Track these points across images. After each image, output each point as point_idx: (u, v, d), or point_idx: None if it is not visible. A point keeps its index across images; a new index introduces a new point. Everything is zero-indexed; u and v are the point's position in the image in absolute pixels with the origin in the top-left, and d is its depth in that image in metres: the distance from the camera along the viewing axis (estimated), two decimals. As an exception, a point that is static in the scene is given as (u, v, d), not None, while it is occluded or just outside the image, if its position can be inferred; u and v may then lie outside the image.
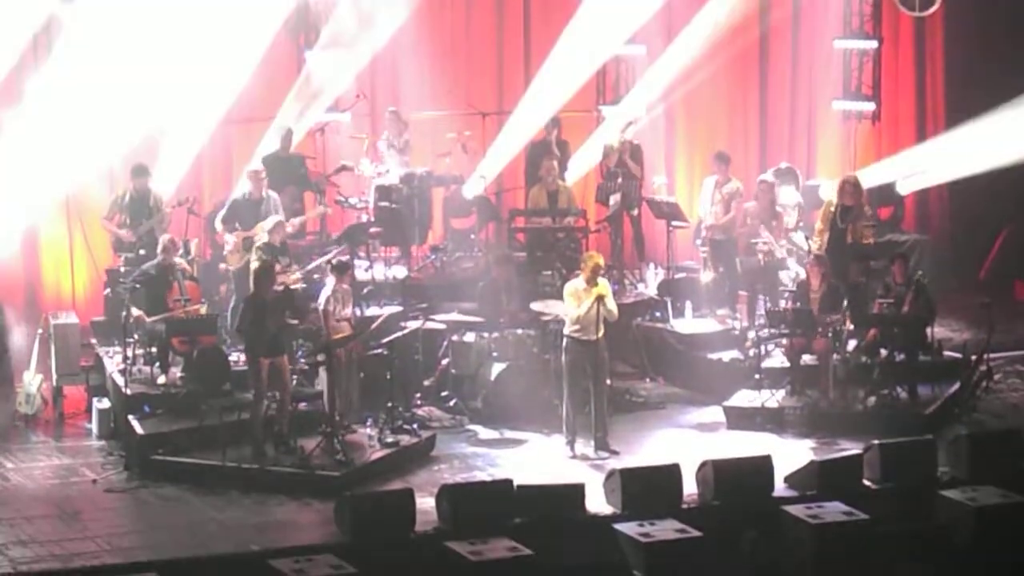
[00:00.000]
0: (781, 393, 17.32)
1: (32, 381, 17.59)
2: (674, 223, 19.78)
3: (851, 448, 15.91)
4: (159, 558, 13.53)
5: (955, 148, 21.62)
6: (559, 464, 16.13)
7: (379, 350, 16.68)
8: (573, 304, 16.22)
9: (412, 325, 17.08)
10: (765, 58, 22.46)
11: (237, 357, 17.07)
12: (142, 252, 17.93)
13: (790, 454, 15.86)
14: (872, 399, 17.23)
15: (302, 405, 16.41)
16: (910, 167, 21.82)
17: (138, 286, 17.13)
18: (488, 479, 15.44)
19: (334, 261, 16.88)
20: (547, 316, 17.24)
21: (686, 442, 16.79)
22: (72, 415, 17.72)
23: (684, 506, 14.71)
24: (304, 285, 17.35)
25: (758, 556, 14.29)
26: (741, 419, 17.21)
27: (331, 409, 15.95)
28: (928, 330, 17.72)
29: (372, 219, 19.54)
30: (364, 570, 13.24)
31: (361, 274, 18.87)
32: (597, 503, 14.71)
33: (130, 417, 16.43)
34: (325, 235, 19.44)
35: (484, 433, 17.08)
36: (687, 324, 19.03)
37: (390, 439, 16.18)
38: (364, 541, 13.81)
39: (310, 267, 17.81)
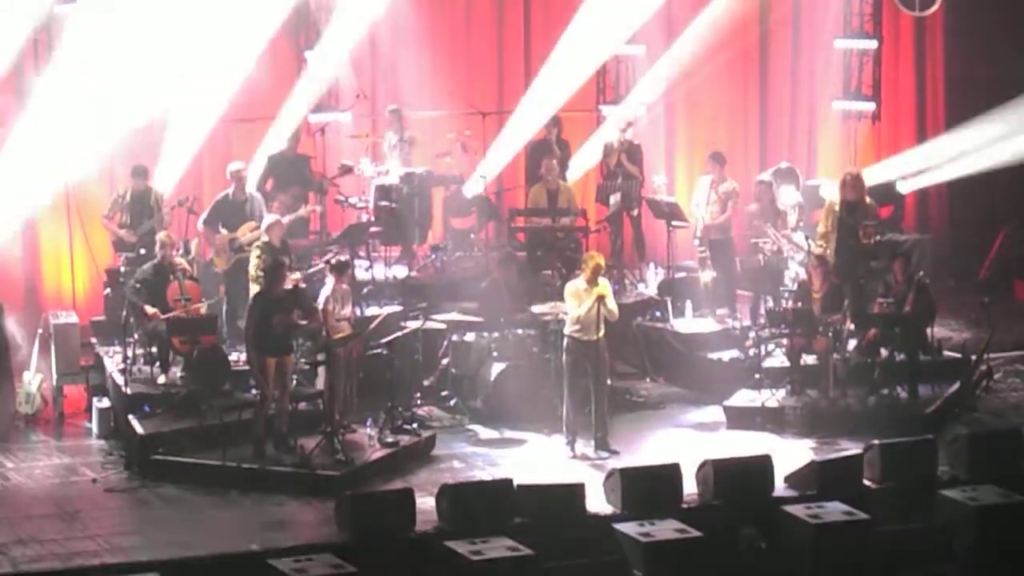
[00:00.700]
0: (781, 393, 17.32)
1: (32, 381, 17.60)
2: (674, 223, 19.77)
3: (851, 448, 15.91)
4: (159, 557, 13.53)
5: (954, 148, 21.63)
6: (559, 464, 16.13)
7: (379, 350, 16.68)
8: (574, 304, 16.22)
9: (412, 325, 17.08)
10: (765, 58, 22.46)
11: (237, 357, 17.07)
12: (142, 252, 17.93)
13: (790, 454, 15.86)
14: (872, 399, 17.24)
15: (302, 405, 16.41)
16: (910, 167, 21.82)
17: (138, 286, 17.12)
18: (488, 479, 15.44)
19: (333, 261, 16.87)
20: (547, 316, 17.24)
21: (686, 442, 16.80)
22: (72, 415, 17.73)
23: (684, 506, 14.71)
24: (304, 285, 17.33)
25: (754, 553, 14.29)
26: (741, 419, 17.21)
27: (331, 409, 15.96)
28: (928, 330, 17.73)
29: (372, 218, 19.54)
30: (364, 570, 13.23)
31: (361, 274, 18.87)
32: (597, 503, 14.71)
33: (130, 417, 16.44)
34: (325, 234, 19.43)
35: (484, 433, 17.08)
36: (687, 324, 19.03)
37: (390, 439, 16.18)
38: (364, 541, 13.81)
39: (311, 271, 17.78)
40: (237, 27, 19.33)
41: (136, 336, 17.30)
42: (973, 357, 18.00)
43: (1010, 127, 20.89)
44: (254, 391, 16.39)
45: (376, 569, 13.52)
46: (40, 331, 18.03)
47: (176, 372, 17.22)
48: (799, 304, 17.50)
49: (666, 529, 14.02)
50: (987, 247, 22.37)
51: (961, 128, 21.64)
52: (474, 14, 21.49)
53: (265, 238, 17.35)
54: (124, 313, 17.02)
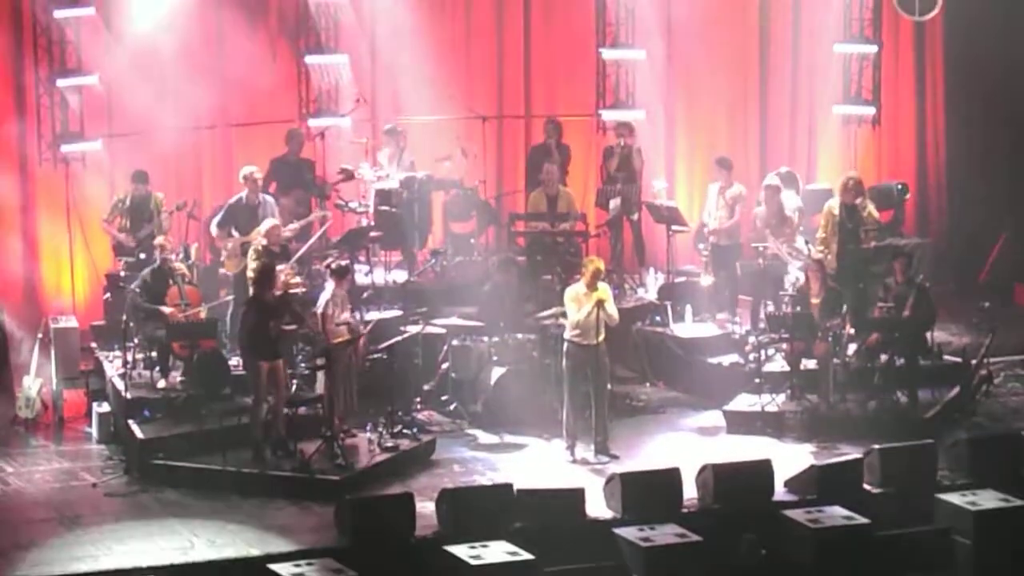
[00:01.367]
0: (781, 397, 17.32)
1: (32, 385, 17.58)
2: (674, 227, 19.78)
3: (851, 452, 15.91)
4: (159, 562, 13.54)
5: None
6: (559, 468, 16.13)
7: (379, 354, 16.67)
8: (573, 308, 16.23)
9: (412, 329, 17.08)
10: (765, 62, 22.45)
11: (237, 361, 17.07)
12: (142, 256, 17.93)
13: (790, 458, 15.86)
14: (872, 403, 17.23)
15: (302, 409, 16.40)
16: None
17: (138, 291, 17.13)
18: (488, 483, 15.44)
19: (333, 265, 16.87)
20: (548, 320, 17.24)
21: (686, 446, 16.79)
22: (72, 419, 17.71)
23: (684, 510, 14.71)
24: (304, 289, 17.33)
25: (754, 558, 14.29)
26: (741, 423, 17.21)
27: (331, 413, 15.95)
28: (928, 334, 17.73)
29: (372, 223, 19.54)
30: (364, 574, 13.24)
31: (361, 278, 18.87)
32: (597, 507, 14.71)
33: (130, 421, 16.43)
34: (325, 239, 19.44)
35: (484, 437, 17.08)
36: (687, 328, 19.01)
37: (390, 443, 16.18)
38: (364, 545, 13.81)
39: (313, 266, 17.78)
40: (237, 29, 19.38)
41: (136, 341, 17.29)
42: (973, 361, 18.00)
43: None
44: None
45: (376, 574, 13.53)
46: (40, 335, 18.02)
47: (176, 377, 17.22)
48: (798, 309, 17.49)
49: (666, 534, 14.02)
50: (987, 251, 22.37)
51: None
52: (474, 19, 21.50)
53: (264, 242, 17.35)
54: (124, 317, 17.01)
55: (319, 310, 16.27)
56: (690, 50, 21.67)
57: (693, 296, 19.37)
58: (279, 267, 16.82)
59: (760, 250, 18.74)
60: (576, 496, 14.61)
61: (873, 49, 21.91)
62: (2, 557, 13.68)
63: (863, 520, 14.41)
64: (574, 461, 16.31)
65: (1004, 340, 18.93)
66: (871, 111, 21.96)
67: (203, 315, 17.28)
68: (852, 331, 17.40)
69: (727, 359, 18.43)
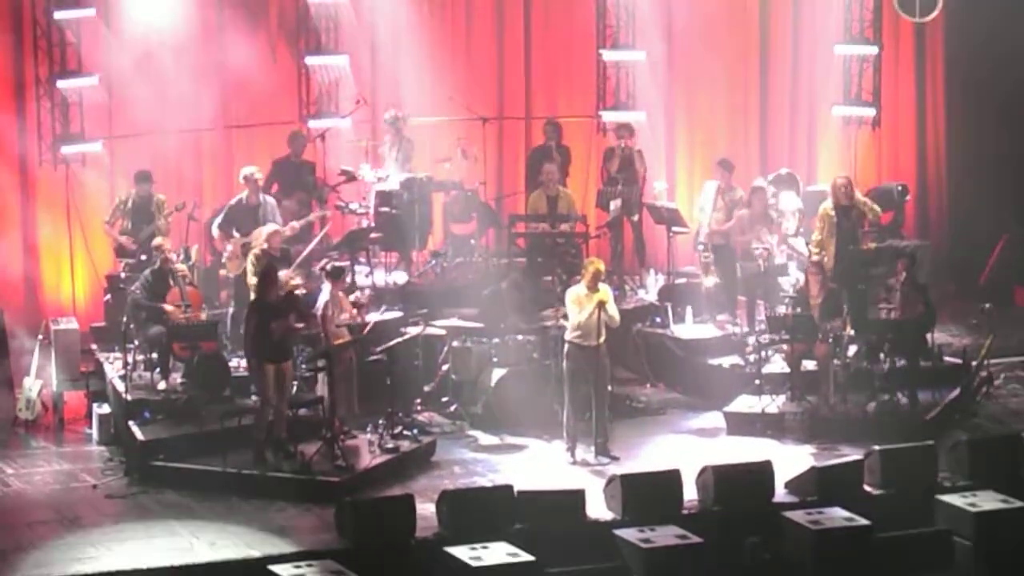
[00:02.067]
0: (781, 399, 17.32)
1: (32, 387, 17.58)
2: (674, 229, 19.79)
3: (851, 454, 15.91)
4: (159, 564, 13.54)
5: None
6: (559, 470, 16.13)
7: (379, 355, 16.68)
8: (574, 310, 16.23)
9: (412, 331, 17.08)
10: (765, 63, 22.45)
11: (237, 363, 17.07)
12: (143, 258, 17.93)
13: (790, 460, 15.86)
14: (872, 405, 17.24)
15: (302, 411, 16.41)
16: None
17: (139, 291, 17.13)
18: (489, 485, 15.43)
19: (329, 266, 16.87)
20: (548, 322, 17.24)
21: (686, 448, 16.80)
22: (72, 421, 17.71)
23: (684, 512, 14.71)
24: (305, 291, 17.33)
25: (759, 563, 14.28)
26: (741, 425, 17.21)
27: (331, 414, 15.95)
28: (929, 335, 17.73)
29: (372, 224, 19.53)
30: (364, 576, 13.27)
31: (362, 279, 18.86)
32: (597, 509, 14.71)
33: (130, 423, 16.43)
34: (326, 241, 19.43)
35: (484, 439, 17.08)
36: (687, 330, 19.01)
37: (390, 445, 16.18)
38: (364, 547, 13.81)
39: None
40: (237, 30, 19.39)
41: (136, 342, 17.29)
42: (973, 363, 18.00)
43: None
44: (254, 397, 16.40)
45: (376, 575, 13.51)
46: (40, 337, 18.02)
47: (176, 378, 17.22)
48: (798, 310, 17.49)
49: (666, 535, 14.02)
50: (987, 253, 22.37)
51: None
52: (474, 20, 21.50)
53: (264, 246, 17.35)
54: (125, 319, 17.02)
55: (318, 311, 16.27)
56: (690, 51, 21.68)
57: (693, 297, 19.38)
58: (281, 272, 16.83)
59: (753, 252, 18.72)
60: (576, 497, 14.60)
61: (873, 50, 21.91)
62: (2, 558, 13.67)
63: (863, 521, 14.41)
64: (574, 462, 16.31)
65: (1004, 342, 18.94)
66: (871, 112, 21.96)
67: (204, 316, 17.27)
68: (852, 332, 17.39)
69: (727, 360, 18.43)
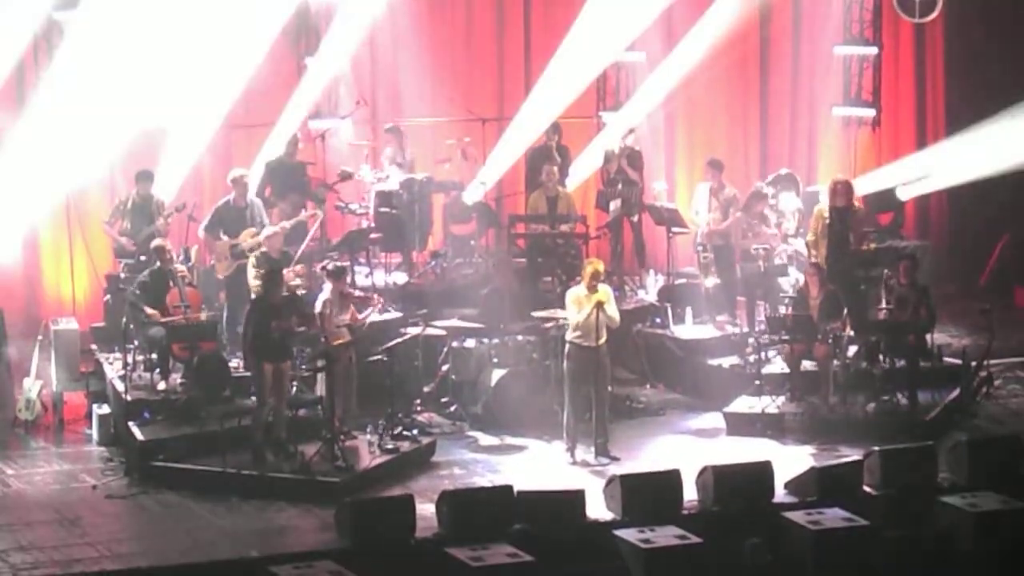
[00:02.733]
0: (781, 399, 17.32)
1: (32, 387, 17.58)
2: (674, 229, 19.79)
3: (851, 454, 15.90)
4: (159, 564, 13.55)
5: (955, 154, 21.62)
6: (559, 470, 16.13)
7: (379, 356, 16.68)
8: (574, 310, 16.23)
9: (412, 331, 17.08)
10: (765, 64, 22.48)
11: (237, 363, 17.07)
12: (143, 258, 17.93)
13: (790, 460, 15.86)
14: (872, 405, 17.23)
15: (302, 411, 16.41)
16: (911, 173, 21.81)
17: (138, 292, 17.12)
18: (488, 485, 15.43)
19: (330, 266, 16.87)
20: (548, 323, 17.25)
21: (686, 448, 16.80)
22: (72, 421, 17.71)
23: (684, 512, 14.71)
24: (305, 291, 17.33)
25: (759, 563, 14.29)
26: (741, 425, 17.21)
27: (331, 415, 15.95)
28: (928, 336, 17.73)
29: (372, 225, 19.53)
30: (364, 576, 13.26)
31: (362, 280, 18.86)
32: (597, 509, 14.71)
33: (130, 423, 16.43)
34: (326, 241, 19.44)
35: (484, 439, 17.09)
36: (687, 330, 19.02)
37: (390, 445, 16.18)
38: (364, 547, 13.80)
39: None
40: (237, 32, 19.36)
41: (136, 343, 17.29)
42: (973, 363, 18.00)
43: (1010, 133, 20.89)
44: (254, 398, 16.39)
45: (376, 575, 13.52)
46: (40, 337, 18.02)
47: (176, 379, 17.21)
48: (797, 311, 17.50)
49: (666, 536, 14.01)
50: (987, 253, 22.38)
51: (961, 134, 21.67)
52: (474, 20, 21.52)
53: (264, 248, 17.35)
54: (124, 319, 17.02)
55: (317, 311, 16.26)
56: (690, 52, 21.66)
57: (693, 298, 19.39)
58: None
59: (752, 252, 18.73)
60: (576, 498, 14.60)
61: (873, 51, 21.94)
62: (3, 558, 13.67)
63: (863, 522, 14.40)
64: (574, 463, 16.31)
65: (1004, 342, 18.94)
66: (871, 113, 21.99)
67: (203, 317, 17.27)
68: (852, 333, 17.39)
69: (727, 361, 18.44)
